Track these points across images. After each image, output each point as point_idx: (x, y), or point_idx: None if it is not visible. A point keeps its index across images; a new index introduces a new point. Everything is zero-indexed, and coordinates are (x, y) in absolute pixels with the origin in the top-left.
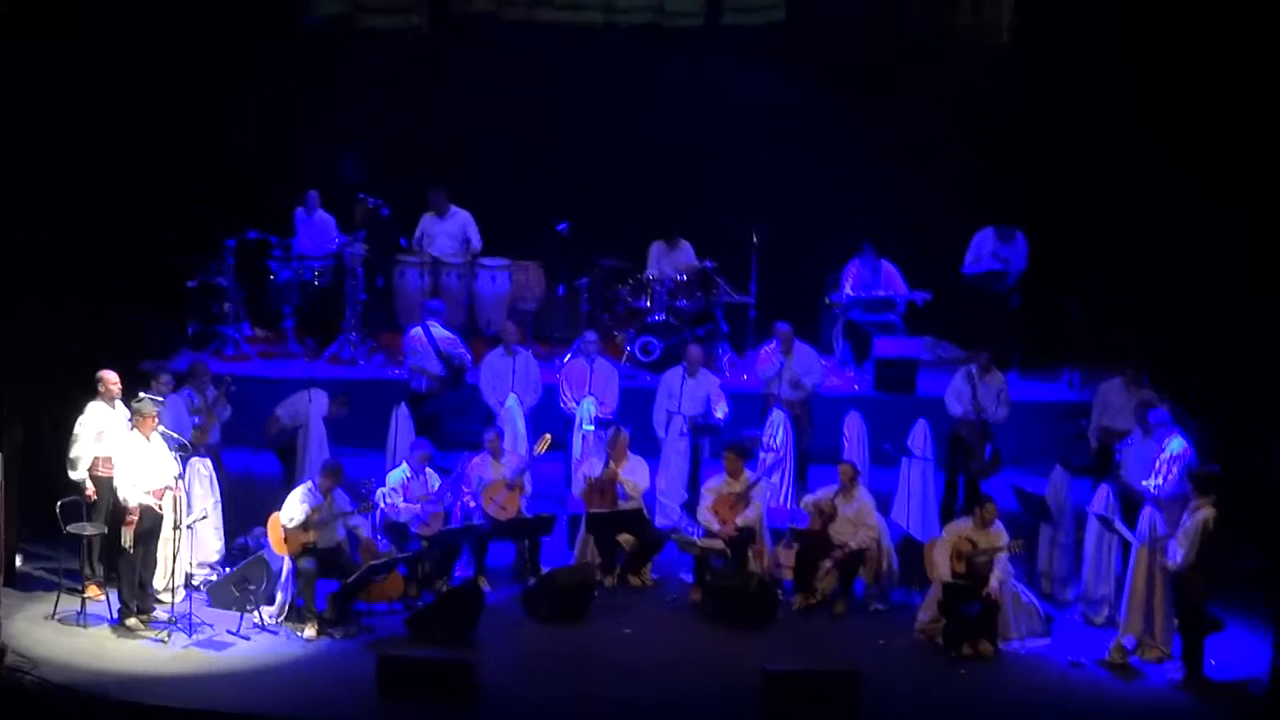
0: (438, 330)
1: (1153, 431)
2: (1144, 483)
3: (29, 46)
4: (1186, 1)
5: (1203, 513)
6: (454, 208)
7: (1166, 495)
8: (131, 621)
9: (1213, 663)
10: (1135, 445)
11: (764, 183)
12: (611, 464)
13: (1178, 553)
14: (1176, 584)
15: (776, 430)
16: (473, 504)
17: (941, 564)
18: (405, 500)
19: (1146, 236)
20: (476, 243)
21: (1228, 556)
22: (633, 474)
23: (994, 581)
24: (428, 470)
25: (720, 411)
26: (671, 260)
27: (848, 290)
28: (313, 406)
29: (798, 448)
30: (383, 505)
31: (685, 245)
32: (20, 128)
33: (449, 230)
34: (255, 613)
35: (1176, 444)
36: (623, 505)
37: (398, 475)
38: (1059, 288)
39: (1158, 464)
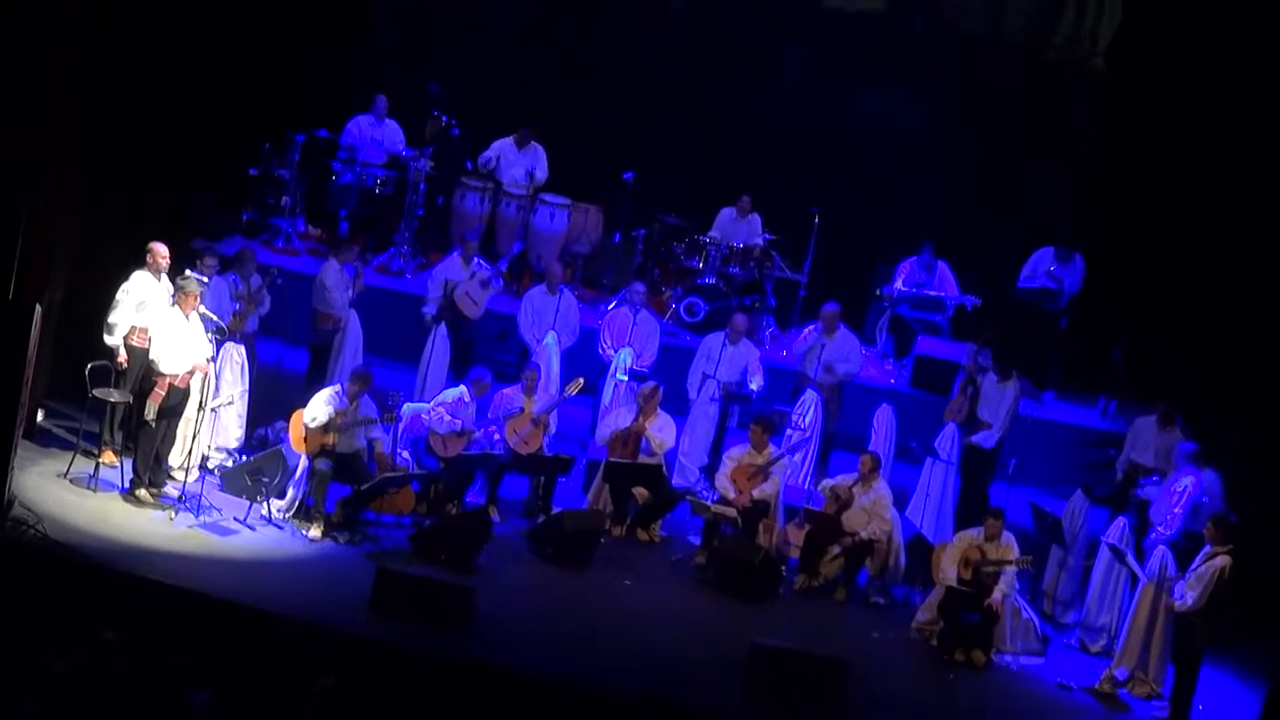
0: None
1: (1176, 467)
2: (1157, 529)
3: None
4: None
5: (1220, 560)
6: (533, 142)
7: (1174, 535)
8: (141, 493)
9: (1200, 708)
10: (1161, 484)
11: (836, 167)
12: (641, 418)
13: (1189, 595)
14: (1180, 626)
15: (807, 410)
16: (496, 435)
17: (949, 568)
18: (453, 416)
19: (1208, 284)
20: (542, 175)
21: (1234, 606)
22: (660, 431)
23: (997, 594)
24: (474, 402)
25: (755, 384)
26: (737, 230)
27: (899, 285)
28: (353, 313)
29: (825, 431)
30: (425, 418)
31: (755, 219)
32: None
33: (525, 162)
34: (265, 505)
35: (1185, 481)
36: (643, 459)
37: (454, 394)
38: (1111, 319)
39: (1172, 502)
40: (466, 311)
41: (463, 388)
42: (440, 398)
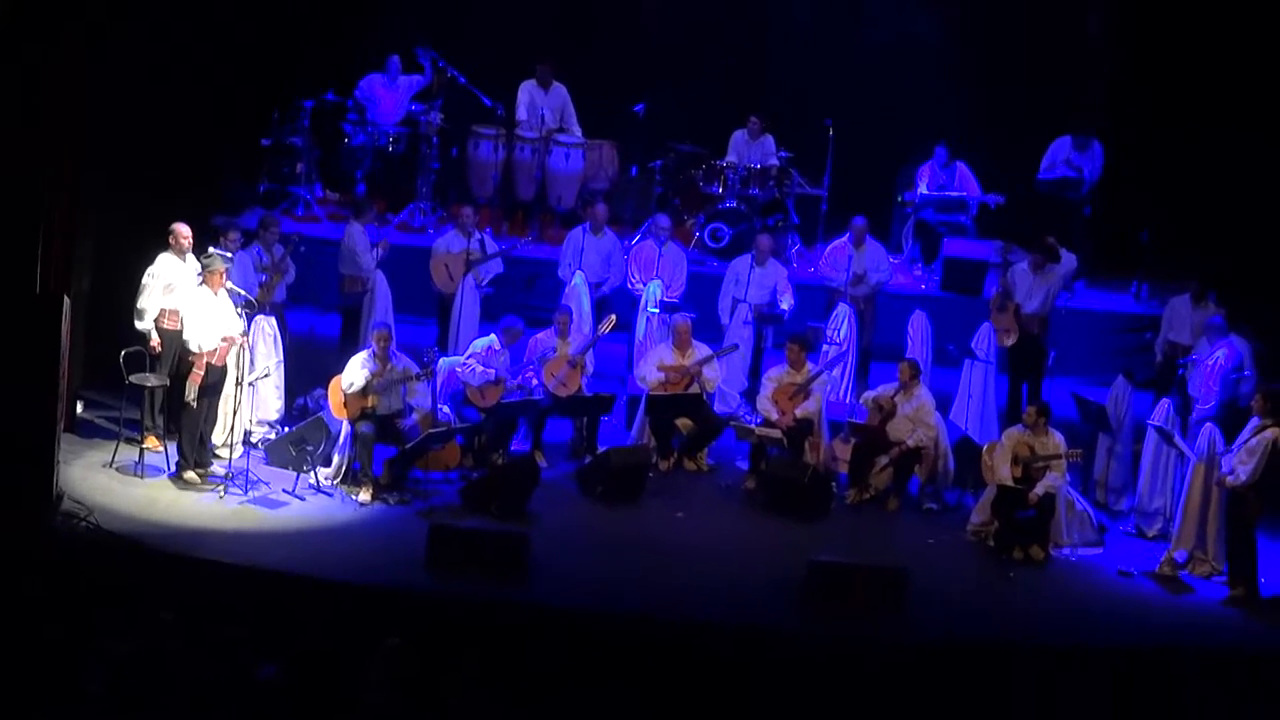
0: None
1: (1213, 342)
2: (1196, 404)
3: None
4: None
5: (1269, 433)
6: (555, 82)
7: (1214, 408)
8: (189, 474)
9: (1262, 580)
10: (1200, 360)
11: (845, 75)
12: (678, 354)
13: (1240, 470)
14: (1231, 500)
15: (841, 324)
16: (535, 380)
17: (1002, 467)
18: (485, 366)
19: (1230, 157)
20: (573, 124)
21: None
22: (709, 371)
23: (1040, 487)
24: (506, 351)
25: (786, 303)
26: (751, 152)
27: (921, 189)
28: (379, 274)
29: (861, 343)
30: (459, 371)
31: (768, 139)
32: None
33: (552, 104)
34: (311, 474)
35: (1218, 354)
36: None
37: (483, 343)
38: (1135, 202)
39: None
40: (438, 283)
41: (492, 336)
42: (471, 349)
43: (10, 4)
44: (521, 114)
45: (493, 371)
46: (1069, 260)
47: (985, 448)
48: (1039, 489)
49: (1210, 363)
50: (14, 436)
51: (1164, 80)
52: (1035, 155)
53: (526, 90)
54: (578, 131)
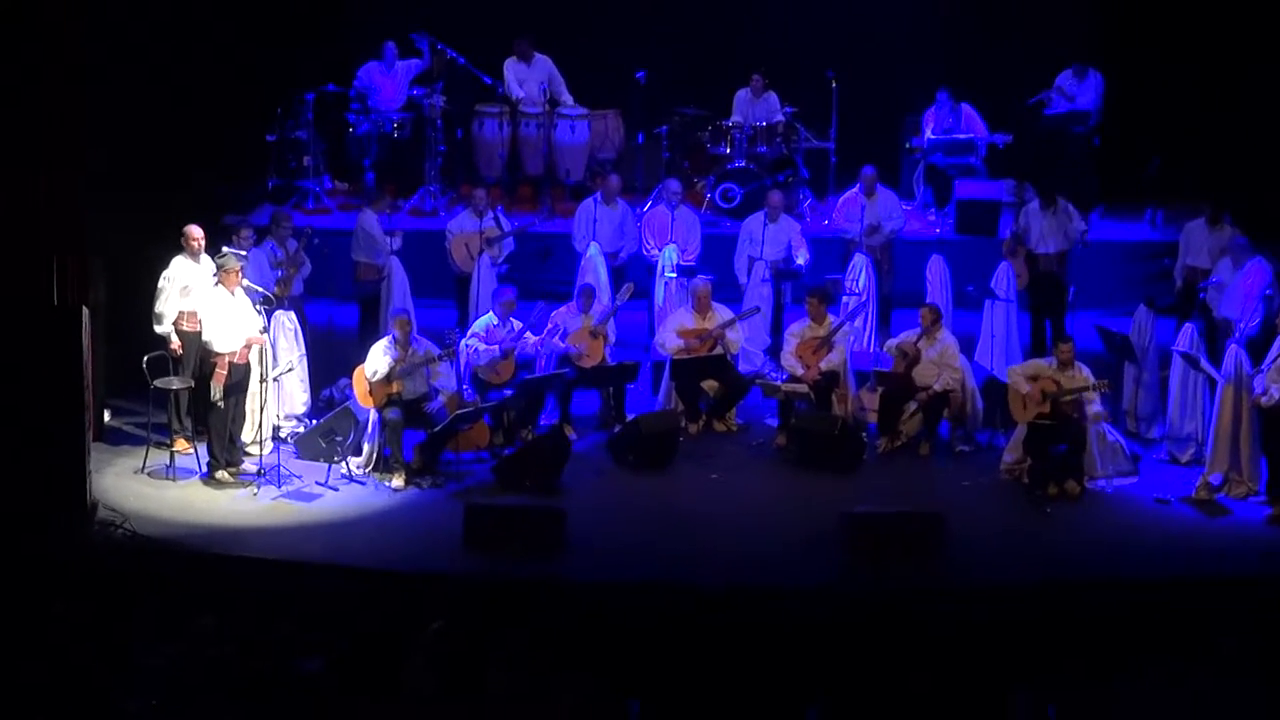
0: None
1: (1241, 263)
2: (1237, 326)
3: None
4: None
5: None
6: (537, 54)
7: (1256, 328)
8: (221, 474)
9: None
10: (1227, 280)
11: (844, 26)
12: (699, 317)
13: (1275, 390)
14: (1269, 420)
15: (859, 274)
16: (539, 335)
17: (1024, 386)
18: (487, 344)
19: (1233, 77)
20: (562, 93)
21: None
22: (732, 332)
23: (1088, 413)
24: (512, 319)
25: (801, 257)
26: (755, 110)
27: (928, 134)
28: (394, 260)
29: (880, 291)
30: (466, 353)
31: (771, 96)
32: None
33: (537, 76)
34: (343, 464)
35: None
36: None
37: (483, 321)
38: (1143, 128)
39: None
40: (459, 262)
41: (490, 312)
42: (472, 330)
43: (9, 7)
44: (515, 91)
45: (495, 348)
46: (1078, 221)
47: (1009, 383)
48: (1089, 413)
49: (1246, 281)
50: (44, 449)
51: (1163, 6)
52: (1039, 92)
53: (510, 68)
54: (569, 99)
